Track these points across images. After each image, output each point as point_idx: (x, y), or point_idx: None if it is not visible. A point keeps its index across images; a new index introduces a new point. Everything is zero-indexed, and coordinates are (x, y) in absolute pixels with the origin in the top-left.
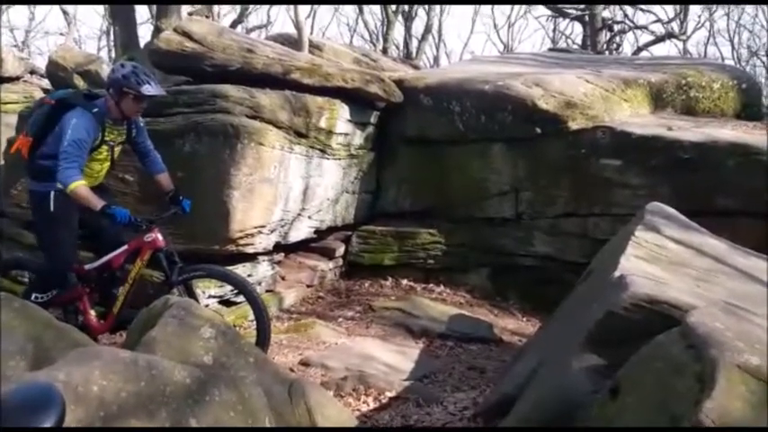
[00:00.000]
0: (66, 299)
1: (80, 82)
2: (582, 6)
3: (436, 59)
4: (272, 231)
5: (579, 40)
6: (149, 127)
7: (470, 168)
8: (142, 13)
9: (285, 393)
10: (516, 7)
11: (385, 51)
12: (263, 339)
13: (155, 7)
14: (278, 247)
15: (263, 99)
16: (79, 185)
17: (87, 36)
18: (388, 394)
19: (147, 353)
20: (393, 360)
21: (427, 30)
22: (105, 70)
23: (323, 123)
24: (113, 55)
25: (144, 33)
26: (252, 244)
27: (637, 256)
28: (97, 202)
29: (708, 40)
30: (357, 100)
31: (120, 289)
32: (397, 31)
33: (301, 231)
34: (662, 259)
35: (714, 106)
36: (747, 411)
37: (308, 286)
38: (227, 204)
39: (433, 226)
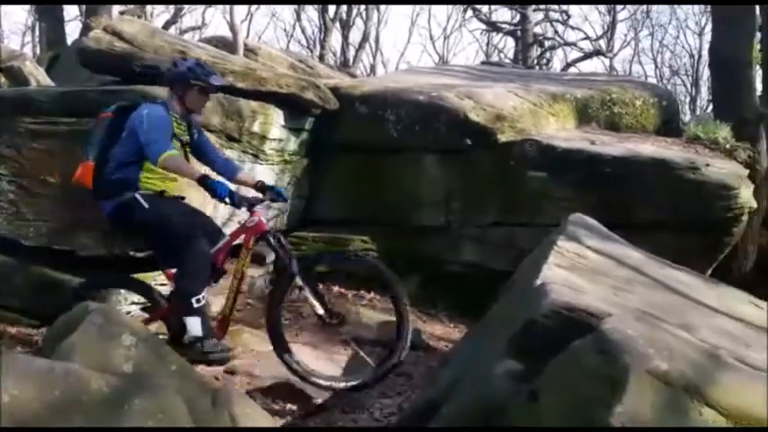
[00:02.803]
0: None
1: (1, 79)
2: (515, 21)
3: (373, 68)
4: None
5: (511, 55)
6: (74, 128)
7: (404, 177)
8: (70, 9)
9: (209, 402)
10: (452, 20)
11: (322, 58)
12: (401, 333)
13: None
14: None
15: None
16: (171, 154)
17: (11, 31)
18: (315, 402)
19: (65, 361)
20: (322, 367)
21: (364, 38)
22: (29, 67)
23: (256, 128)
24: (38, 51)
25: (72, 31)
26: None
27: (558, 264)
28: (194, 171)
29: (633, 58)
30: (292, 106)
31: (230, 288)
32: (335, 39)
33: None
34: (582, 268)
35: (636, 122)
36: (656, 415)
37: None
38: None
39: (365, 233)
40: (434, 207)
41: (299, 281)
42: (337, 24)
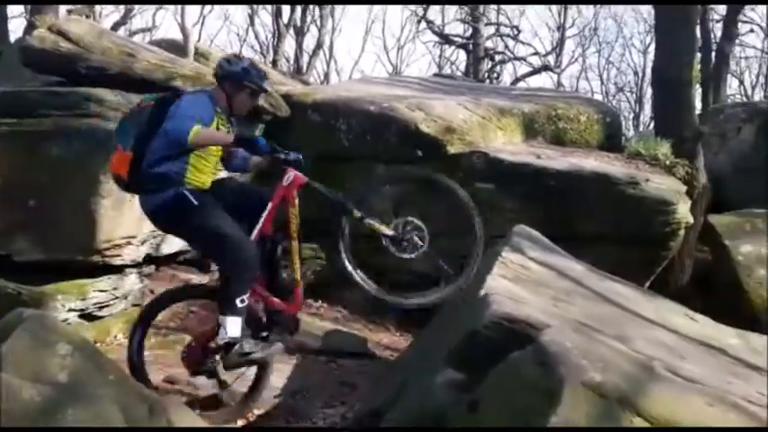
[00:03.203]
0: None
1: None
2: (467, 35)
3: (326, 76)
4: (142, 242)
5: (463, 67)
6: (14, 128)
7: (354, 185)
8: (14, 6)
9: (146, 411)
10: (406, 31)
11: (275, 64)
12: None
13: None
14: (149, 260)
15: None
16: (197, 129)
17: None
18: (257, 412)
19: None
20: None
21: (318, 46)
22: None
23: None
24: None
25: (15, 28)
26: (119, 255)
27: (502, 275)
28: (226, 136)
29: (580, 74)
30: None
31: (292, 253)
32: (288, 45)
33: (175, 243)
34: (525, 279)
35: (580, 137)
36: (589, 425)
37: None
38: (94, 213)
39: (314, 241)
40: (383, 217)
41: (357, 213)
42: (291, 30)
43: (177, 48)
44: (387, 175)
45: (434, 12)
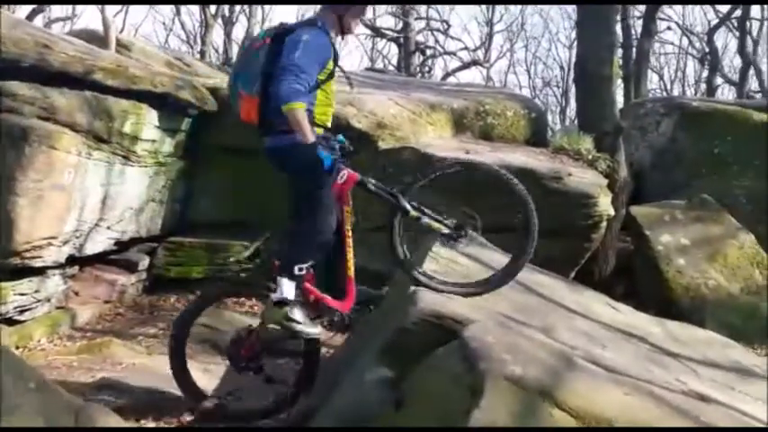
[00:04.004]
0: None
1: None
2: (398, 29)
3: None
4: (64, 243)
5: (395, 61)
6: None
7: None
8: None
9: (71, 421)
10: None
11: (203, 55)
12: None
13: None
14: (72, 260)
15: (59, 100)
16: (302, 107)
17: None
18: (188, 416)
19: None
20: (196, 379)
21: (247, 36)
22: None
23: (127, 128)
24: None
25: None
26: (40, 257)
27: (433, 270)
28: (309, 133)
29: (508, 69)
30: (167, 105)
31: (344, 249)
32: (217, 35)
33: (99, 243)
34: (455, 273)
35: (507, 132)
36: (511, 418)
37: (105, 302)
38: (10, 213)
39: (246, 237)
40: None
41: (414, 213)
42: (219, 20)
43: (98, 39)
44: (436, 167)
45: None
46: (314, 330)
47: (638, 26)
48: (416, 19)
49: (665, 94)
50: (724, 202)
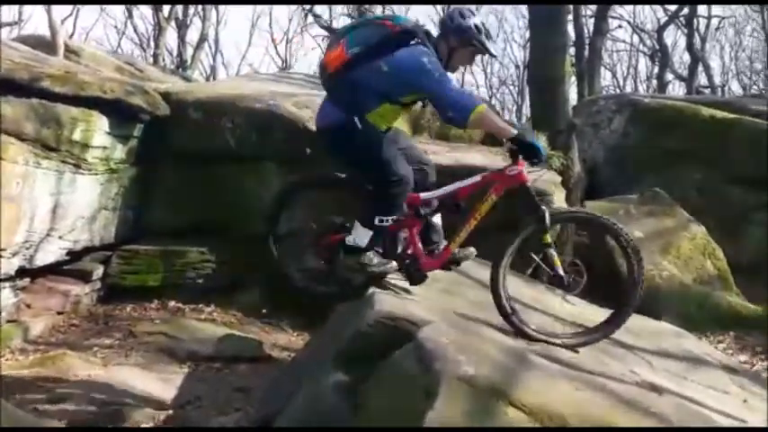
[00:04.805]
0: (396, 228)
1: None
2: None
3: (213, 69)
4: (14, 254)
5: None
6: None
7: (243, 185)
8: None
9: None
10: (293, 24)
11: (156, 58)
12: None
13: None
14: (23, 272)
15: (5, 108)
16: (484, 108)
17: None
18: (145, 426)
19: None
20: (154, 389)
21: (202, 39)
22: None
23: (77, 136)
24: None
25: None
26: None
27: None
28: (507, 128)
29: (465, 68)
30: (118, 112)
31: (464, 225)
32: (171, 38)
33: (51, 253)
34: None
35: (464, 133)
36: (465, 419)
37: (58, 313)
38: None
39: (203, 244)
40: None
41: (548, 238)
42: (173, 23)
43: (47, 45)
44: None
45: (322, 5)
46: (389, 267)
47: (590, 25)
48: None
49: (617, 90)
50: (675, 195)
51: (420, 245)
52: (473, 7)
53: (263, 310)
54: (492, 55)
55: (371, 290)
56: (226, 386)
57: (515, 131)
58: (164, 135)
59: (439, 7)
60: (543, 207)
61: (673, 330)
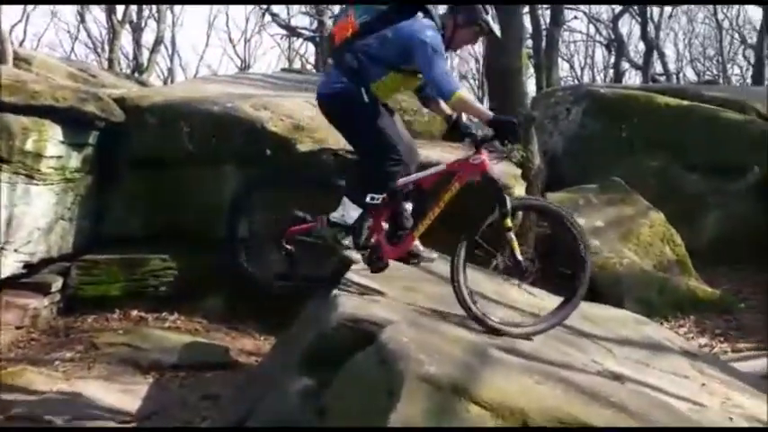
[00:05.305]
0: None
1: None
2: (313, 27)
3: (171, 72)
4: None
5: (314, 60)
6: None
7: (203, 189)
8: None
9: None
10: (251, 24)
11: (111, 63)
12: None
13: None
14: None
15: None
16: (464, 93)
17: None
18: None
19: None
20: (117, 401)
21: (158, 41)
22: None
23: (29, 146)
24: None
25: None
26: None
27: (356, 270)
28: (486, 111)
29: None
30: (71, 120)
31: (428, 213)
32: (126, 41)
33: (7, 267)
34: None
35: (425, 129)
36: (428, 419)
37: (17, 328)
38: None
39: (165, 251)
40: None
41: (509, 222)
42: (127, 26)
43: None
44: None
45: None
46: (355, 257)
47: (546, 16)
48: (331, 18)
49: (576, 81)
50: (634, 183)
51: (383, 233)
52: None
53: (229, 316)
54: (497, 36)
55: (334, 292)
56: (192, 395)
57: (491, 114)
58: (120, 142)
59: None
60: (505, 195)
61: (633, 318)
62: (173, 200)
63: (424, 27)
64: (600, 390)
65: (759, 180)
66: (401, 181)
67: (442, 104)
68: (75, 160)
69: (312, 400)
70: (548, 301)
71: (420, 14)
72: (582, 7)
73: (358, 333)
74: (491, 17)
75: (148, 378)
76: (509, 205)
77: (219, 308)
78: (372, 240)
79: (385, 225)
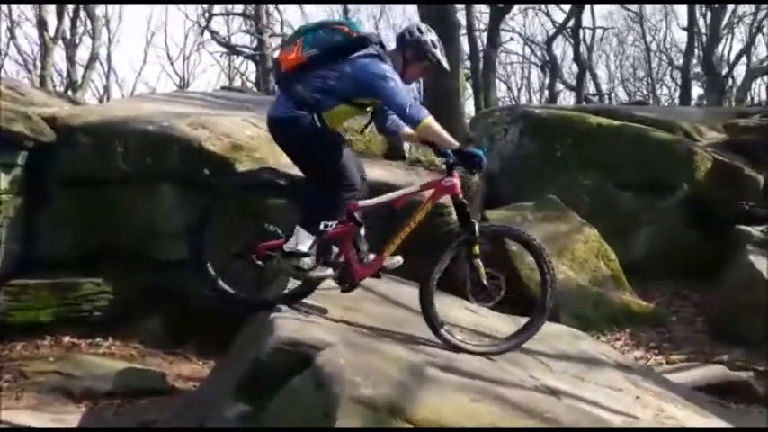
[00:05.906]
0: (334, 235)
1: None
2: (253, 46)
3: (107, 90)
4: None
5: (254, 78)
6: None
7: (139, 210)
8: None
9: None
10: (189, 41)
11: (43, 80)
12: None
13: None
14: None
15: None
16: (430, 121)
17: None
18: None
19: None
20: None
21: (93, 58)
22: None
23: None
24: None
25: None
26: None
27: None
28: (452, 140)
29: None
30: None
31: (399, 232)
32: (60, 58)
33: None
34: (319, 292)
35: (366, 148)
36: None
37: None
38: None
39: (98, 274)
40: (175, 239)
41: (477, 249)
42: (60, 43)
43: None
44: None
45: (218, 22)
46: (324, 273)
47: (483, 38)
48: (271, 36)
49: (513, 101)
50: (568, 200)
51: (353, 252)
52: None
53: (167, 339)
54: (445, 69)
55: (272, 314)
56: (127, 422)
57: (457, 145)
58: (51, 162)
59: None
60: (473, 220)
61: (570, 332)
62: (106, 220)
63: (382, 61)
64: (536, 405)
65: (687, 197)
66: (364, 203)
67: (405, 130)
68: (2, 182)
69: (250, 425)
70: (488, 318)
71: (372, 51)
72: (518, 28)
73: (295, 357)
74: (439, 51)
75: (81, 407)
76: (477, 231)
77: (157, 331)
78: (341, 259)
79: (351, 245)
